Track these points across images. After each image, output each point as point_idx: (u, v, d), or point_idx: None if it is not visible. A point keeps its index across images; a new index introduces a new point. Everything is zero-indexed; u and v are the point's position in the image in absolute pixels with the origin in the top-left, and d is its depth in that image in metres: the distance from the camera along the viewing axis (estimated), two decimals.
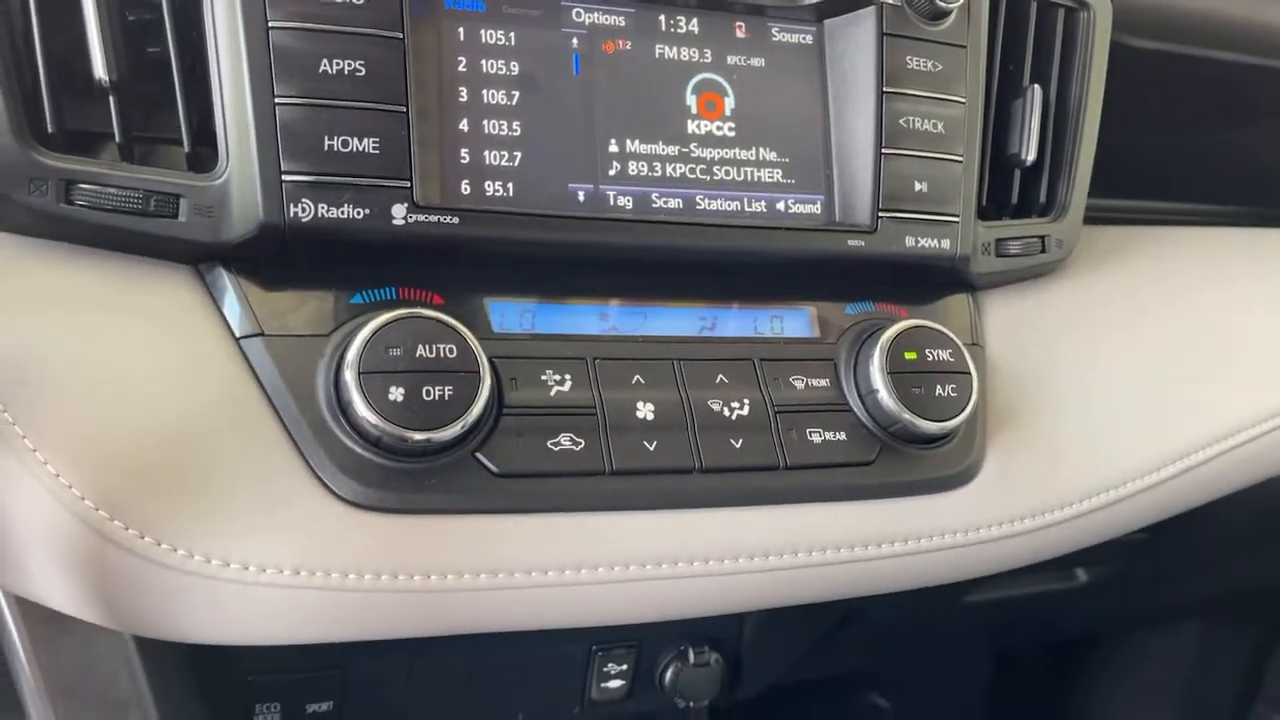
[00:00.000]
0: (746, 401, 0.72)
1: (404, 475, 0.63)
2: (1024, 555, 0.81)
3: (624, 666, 1.01)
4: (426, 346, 0.63)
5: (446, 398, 0.62)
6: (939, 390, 0.74)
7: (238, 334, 0.65)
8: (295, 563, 0.61)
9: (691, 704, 1.02)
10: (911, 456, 0.75)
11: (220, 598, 0.61)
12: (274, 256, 0.65)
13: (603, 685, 1.01)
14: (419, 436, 0.62)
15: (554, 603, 0.67)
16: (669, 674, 1.01)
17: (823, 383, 0.75)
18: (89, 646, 0.76)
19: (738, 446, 0.71)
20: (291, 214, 0.63)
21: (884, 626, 1.17)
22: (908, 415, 0.73)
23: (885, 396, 0.73)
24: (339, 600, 0.62)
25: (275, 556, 0.60)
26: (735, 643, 1.05)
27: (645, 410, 0.69)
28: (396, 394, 0.62)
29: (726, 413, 0.71)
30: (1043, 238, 0.87)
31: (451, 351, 0.63)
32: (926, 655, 1.52)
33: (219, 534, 0.60)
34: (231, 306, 0.65)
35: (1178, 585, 1.36)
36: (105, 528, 0.58)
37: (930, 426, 0.74)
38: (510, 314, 0.70)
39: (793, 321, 0.78)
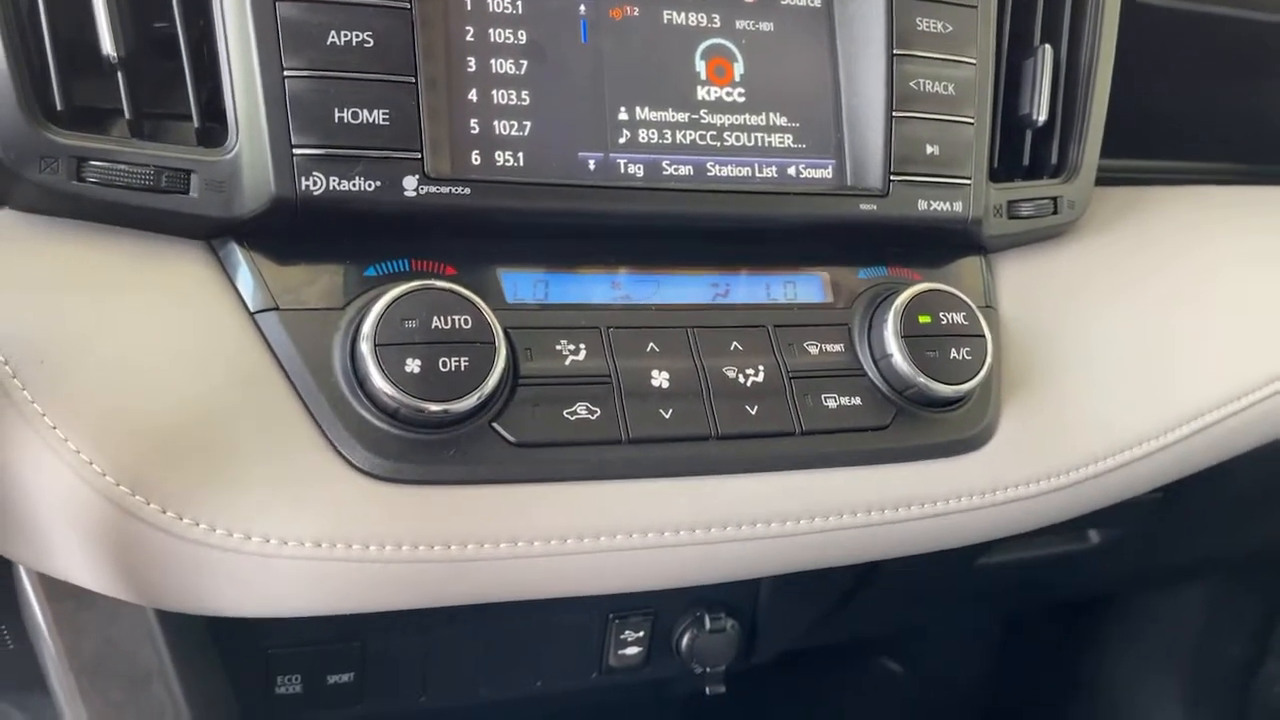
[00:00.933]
0: (761, 368, 0.72)
1: (422, 446, 0.63)
2: (1040, 517, 0.81)
3: (641, 633, 1.02)
4: (442, 318, 0.63)
5: (463, 369, 0.63)
6: (954, 354, 0.74)
7: (252, 309, 0.65)
8: (316, 536, 0.61)
9: (708, 669, 1.03)
10: (927, 420, 0.75)
11: (242, 571, 0.61)
12: (286, 231, 0.65)
13: (620, 652, 1.02)
14: (436, 408, 0.62)
15: (574, 571, 0.68)
16: (685, 640, 1.02)
17: (837, 348, 0.75)
18: (111, 622, 0.77)
19: (753, 413, 0.71)
20: (303, 187, 0.63)
21: (898, 591, 1.17)
22: (922, 379, 0.73)
23: (900, 360, 0.73)
24: (360, 572, 0.62)
25: (296, 530, 0.61)
26: (751, 608, 1.05)
27: (660, 378, 0.69)
28: (413, 366, 0.62)
29: (741, 379, 0.71)
30: (1055, 199, 0.87)
31: (466, 322, 0.63)
32: (938, 620, 1.53)
33: (239, 508, 0.60)
34: (245, 281, 0.65)
35: (1191, 546, 1.36)
36: (127, 503, 0.59)
37: (945, 390, 0.74)
38: (523, 284, 0.70)
39: (805, 287, 0.77)
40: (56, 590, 0.75)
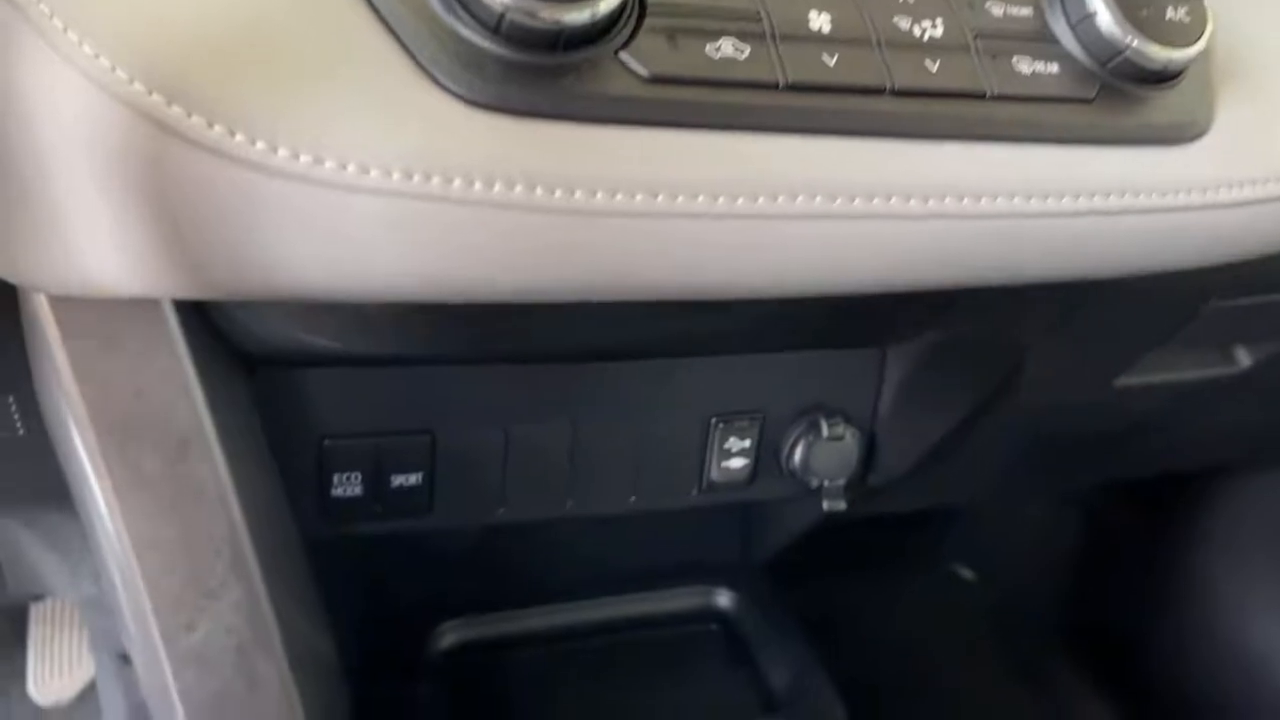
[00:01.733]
0: (940, 20, 0.58)
1: (532, 71, 0.50)
2: (1266, 233, 0.67)
3: (746, 442, 0.88)
4: None
5: None
6: (1170, 13, 0.60)
7: None
8: (406, 162, 0.47)
9: (826, 482, 0.89)
10: (1136, 98, 0.61)
11: (309, 213, 0.47)
12: None
13: (723, 465, 0.89)
14: (548, 14, 0.48)
15: (718, 242, 0.54)
16: (799, 450, 0.89)
17: (1025, 11, 0.61)
18: (141, 370, 0.64)
19: (934, 69, 0.57)
20: None
21: (1028, 419, 1.03)
22: (1135, 41, 0.59)
23: (1105, 19, 0.59)
24: (459, 220, 0.49)
25: (380, 153, 0.47)
26: (869, 417, 0.92)
27: (820, 20, 0.55)
28: None
29: (916, 31, 0.57)
30: None
31: None
32: (1057, 479, 1.39)
33: (307, 124, 0.46)
34: None
35: None
36: (161, 114, 0.45)
37: (1160, 54, 0.59)
38: None
39: None
40: (76, 327, 0.62)
